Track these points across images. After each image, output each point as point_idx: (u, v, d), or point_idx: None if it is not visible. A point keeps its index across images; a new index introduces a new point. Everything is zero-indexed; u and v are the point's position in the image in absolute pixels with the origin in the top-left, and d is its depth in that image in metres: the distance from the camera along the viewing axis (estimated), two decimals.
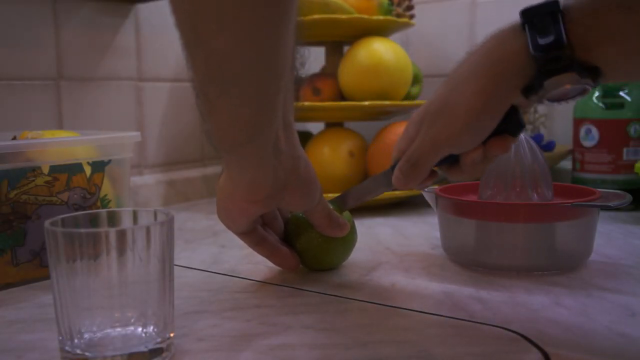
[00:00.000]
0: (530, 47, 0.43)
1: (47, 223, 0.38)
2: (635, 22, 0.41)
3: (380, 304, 0.49)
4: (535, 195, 0.60)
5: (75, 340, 0.37)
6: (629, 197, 0.57)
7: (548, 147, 0.93)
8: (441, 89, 0.50)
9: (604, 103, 0.85)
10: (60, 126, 0.84)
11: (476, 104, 0.46)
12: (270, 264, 0.59)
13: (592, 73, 0.43)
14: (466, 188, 0.66)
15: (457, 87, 0.48)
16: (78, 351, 0.37)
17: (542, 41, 0.43)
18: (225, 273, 0.59)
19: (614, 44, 0.42)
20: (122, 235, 0.37)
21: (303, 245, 0.56)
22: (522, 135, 0.60)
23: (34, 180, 0.55)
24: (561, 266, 0.57)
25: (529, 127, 1.03)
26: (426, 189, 0.64)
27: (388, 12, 0.94)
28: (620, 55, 0.43)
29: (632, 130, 0.84)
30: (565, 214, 0.56)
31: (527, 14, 0.44)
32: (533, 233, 0.57)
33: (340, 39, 0.96)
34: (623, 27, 0.42)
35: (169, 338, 0.39)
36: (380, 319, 0.46)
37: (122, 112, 0.92)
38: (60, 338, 0.38)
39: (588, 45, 0.42)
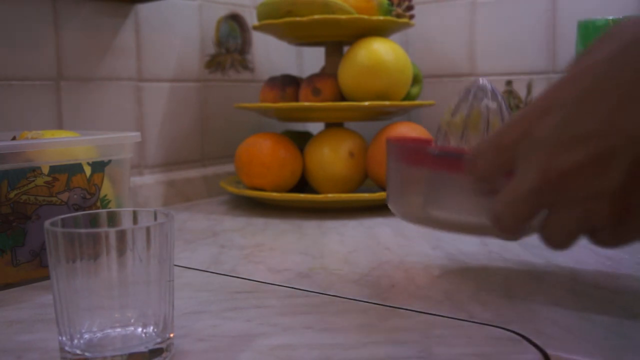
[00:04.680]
0: None
1: (47, 223, 0.38)
2: None
3: (380, 304, 0.49)
4: None
5: (75, 341, 0.37)
6: None
7: None
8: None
9: None
10: (60, 126, 0.84)
11: None
12: (270, 264, 0.59)
13: None
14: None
15: None
16: (78, 351, 0.37)
17: None
18: (225, 273, 0.59)
19: None
20: (122, 235, 0.37)
21: None
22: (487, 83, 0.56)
23: (33, 181, 0.55)
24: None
25: None
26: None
27: (388, 12, 0.95)
28: None
29: None
30: None
31: None
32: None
33: (340, 39, 0.96)
34: None
35: (169, 338, 0.39)
36: (380, 319, 0.46)
37: (122, 112, 0.92)
38: (60, 338, 0.38)
39: None
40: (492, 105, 0.56)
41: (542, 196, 0.31)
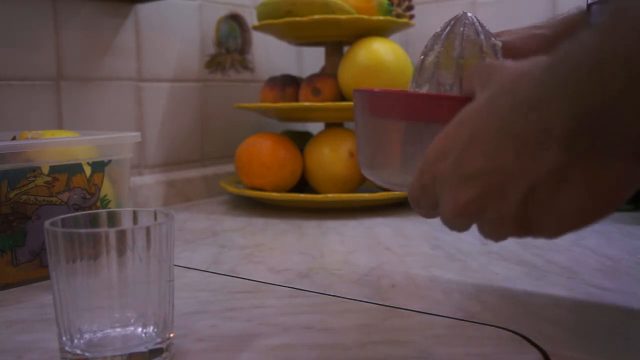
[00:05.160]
0: None
1: (47, 223, 0.38)
2: None
3: (380, 304, 0.49)
4: None
5: (75, 341, 0.37)
6: None
7: None
8: None
9: None
10: (60, 126, 0.84)
11: None
12: (270, 264, 0.59)
13: None
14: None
15: None
16: (78, 351, 0.37)
17: None
18: (225, 273, 0.59)
19: None
20: (122, 235, 0.37)
21: None
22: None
23: (34, 181, 0.55)
24: None
25: None
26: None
27: (388, 12, 0.95)
28: None
29: None
30: None
31: None
32: None
33: (340, 39, 0.96)
34: None
35: (169, 338, 0.39)
36: (380, 319, 0.46)
37: (122, 112, 0.92)
38: (60, 338, 0.38)
39: None
40: (468, 38, 0.47)
41: (461, 219, 0.39)
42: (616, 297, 0.50)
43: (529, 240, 0.68)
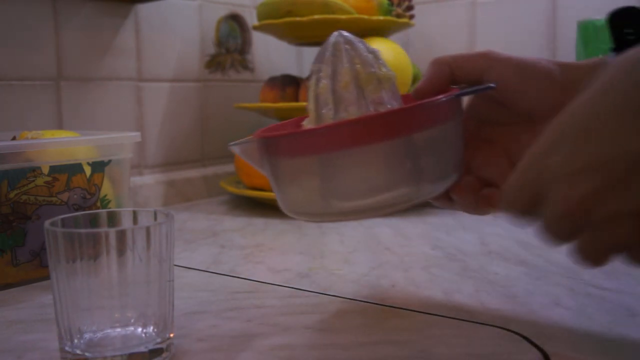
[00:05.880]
0: None
1: (47, 223, 0.38)
2: None
3: (380, 304, 0.49)
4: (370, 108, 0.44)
5: (75, 341, 0.37)
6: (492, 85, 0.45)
7: None
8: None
9: None
10: (60, 126, 0.84)
11: None
12: (270, 264, 0.59)
13: None
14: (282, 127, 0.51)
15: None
16: (78, 351, 0.37)
17: None
18: (225, 273, 0.59)
19: None
20: (122, 235, 0.37)
21: None
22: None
23: (34, 181, 0.55)
24: (427, 192, 0.43)
25: None
26: (235, 143, 0.47)
27: (388, 12, 0.95)
28: None
29: None
30: (426, 119, 0.41)
31: None
32: (394, 151, 0.41)
33: None
34: None
35: (169, 338, 0.39)
36: (380, 319, 0.46)
37: (122, 112, 0.92)
38: (60, 338, 0.38)
39: None
40: (351, 62, 0.45)
41: (569, 221, 0.34)
42: (616, 297, 0.50)
43: (529, 240, 0.68)
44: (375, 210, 0.43)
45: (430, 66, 0.46)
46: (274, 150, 0.43)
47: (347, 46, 0.45)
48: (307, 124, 0.47)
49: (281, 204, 0.46)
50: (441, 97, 0.42)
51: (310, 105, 0.46)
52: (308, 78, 0.47)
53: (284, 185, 0.45)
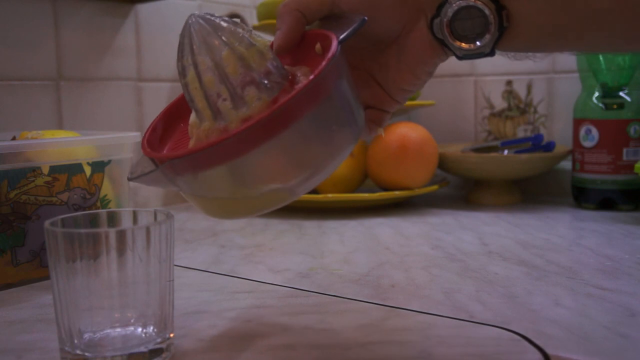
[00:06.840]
0: None
1: (47, 223, 0.38)
2: None
3: (380, 304, 0.49)
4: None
5: (75, 341, 0.37)
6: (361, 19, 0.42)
7: (548, 147, 0.93)
8: None
9: (603, 103, 0.85)
10: (60, 126, 0.84)
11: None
12: (270, 264, 0.59)
13: (499, 11, 0.40)
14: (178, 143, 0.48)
15: None
16: (78, 351, 0.37)
17: None
18: (225, 273, 0.59)
19: None
20: (122, 235, 0.37)
21: None
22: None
23: (33, 181, 0.55)
24: (356, 134, 0.42)
25: (528, 127, 1.03)
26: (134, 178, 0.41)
27: None
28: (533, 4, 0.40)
29: (632, 130, 0.84)
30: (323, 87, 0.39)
31: None
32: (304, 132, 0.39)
33: None
34: None
35: (169, 338, 0.39)
36: (380, 319, 0.46)
37: (122, 112, 0.92)
38: (60, 338, 0.38)
39: None
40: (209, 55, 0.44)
41: None
42: (616, 297, 0.50)
43: (529, 240, 0.68)
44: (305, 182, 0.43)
45: (283, 17, 0.44)
46: (177, 172, 0.40)
47: (210, 28, 0.43)
48: (195, 120, 0.45)
49: (205, 213, 0.43)
50: (325, 62, 0.38)
51: (198, 103, 0.43)
52: (180, 75, 0.45)
53: (197, 198, 0.41)
